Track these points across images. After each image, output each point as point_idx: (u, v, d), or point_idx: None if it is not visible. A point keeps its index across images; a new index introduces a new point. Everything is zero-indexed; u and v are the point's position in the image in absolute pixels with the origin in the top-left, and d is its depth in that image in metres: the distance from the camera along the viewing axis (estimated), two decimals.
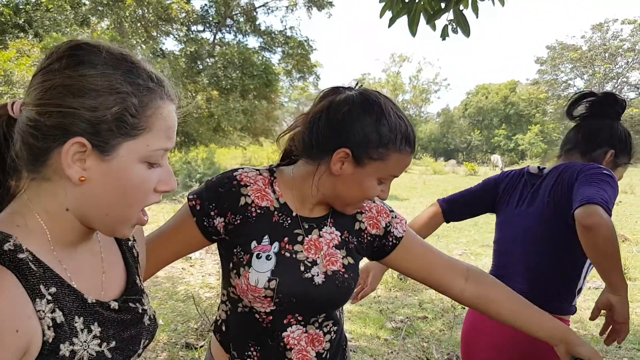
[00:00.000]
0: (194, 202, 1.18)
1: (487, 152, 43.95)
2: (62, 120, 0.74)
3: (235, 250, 1.16)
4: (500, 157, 32.11)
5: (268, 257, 1.14)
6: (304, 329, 1.20)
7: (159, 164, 0.83)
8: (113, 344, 0.82)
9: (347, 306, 4.86)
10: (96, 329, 0.80)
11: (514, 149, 42.68)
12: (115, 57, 0.79)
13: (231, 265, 1.16)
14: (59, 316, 0.75)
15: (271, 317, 1.17)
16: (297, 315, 1.18)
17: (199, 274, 5.93)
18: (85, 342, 0.78)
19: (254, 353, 1.19)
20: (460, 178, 24.56)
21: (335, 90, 1.20)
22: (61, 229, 0.81)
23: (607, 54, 38.78)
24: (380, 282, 5.72)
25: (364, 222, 1.29)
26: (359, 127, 1.11)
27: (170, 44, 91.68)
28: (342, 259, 1.22)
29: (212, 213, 1.16)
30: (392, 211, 1.33)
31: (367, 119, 1.11)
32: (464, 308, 5.03)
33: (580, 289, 1.82)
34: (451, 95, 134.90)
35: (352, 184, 1.14)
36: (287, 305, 1.15)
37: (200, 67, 18.47)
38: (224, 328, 1.24)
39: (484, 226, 10.30)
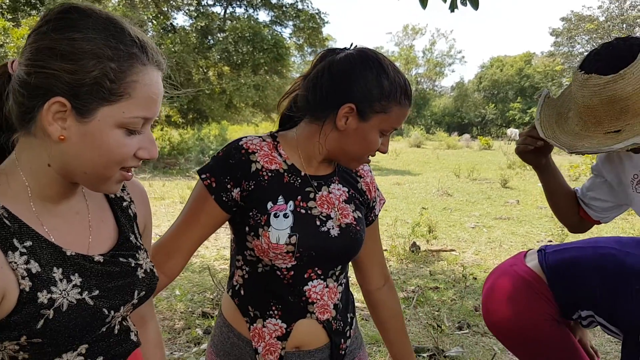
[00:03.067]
0: (209, 181, 1.20)
1: (501, 126, 43.51)
2: (45, 80, 0.78)
3: (251, 213, 1.19)
4: (517, 130, 31.69)
5: (285, 215, 1.19)
6: (325, 283, 1.26)
7: (138, 131, 0.85)
8: (96, 292, 0.87)
9: None
10: (77, 279, 0.85)
11: (529, 122, 42.10)
12: (101, 22, 0.81)
13: (247, 228, 1.20)
14: (35, 267, 0.81)
15: (292, 273, 1.21)
16: (316, 269, 1.24)
17: (213, 247, 6.02)
18: (64, 290, 0.83)
19: (276, 311, 1.24)
20: (474, 152, 24.41)
21: (333, 51, 1.25)
22: (42, 184, 0.86)
23: (624, 25, 37.87)
24: (392, 254, 5.78)
25: (363, 185, 1.37)
26: (362, 83, 1.16)
27: (180, 19, 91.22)
28: (353, 212, 1.29)
29: (229, 186, 1.19)
30: (378, 189, 1.44)
31: (369, 75, 1.16)
32: (475, 278, 5.07)
33: None
34: (466, 68, 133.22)
35: (356, 138, 1.19)
36: (307, 259, 1.20)
37: (211, 42, 18.35)
38: (242, 292, 1.27)
39: (497, 199, 10.28)
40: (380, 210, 1.44)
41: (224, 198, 1.20)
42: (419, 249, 6.10)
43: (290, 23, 19.74)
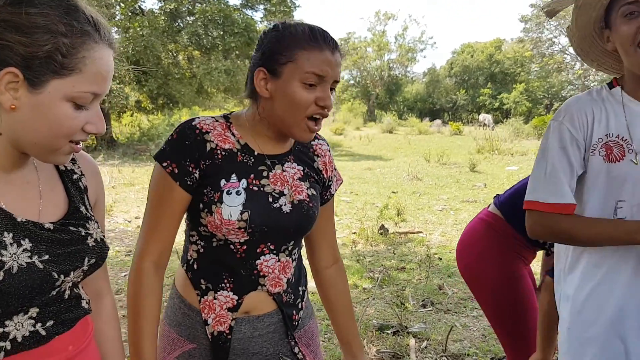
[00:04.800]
0: (170, 168, 1.21)
1: (472, 112, 44.06)
2: (0, 51, 0.81)
3: (205, 190, 1.21)
4: (489, 116, 32.16)
5: (238, 193, 1.21)
6: (277, 257, 1.29)
7: (87, 107, 0.89)
8: (46, 257, 0.90)
9: None
10: (27, 244, 0.88)
11: (499, 107, 42.74)
12: None
13: (201, 205, 1.22)
14: None
15: (245, 247, 1.24)
16: (269, 244, 1.27)
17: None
18: (14, 254, 0.86)
19: (228, 284, 1.27)
20: (445, 138, 24.71)
21: None
22: None
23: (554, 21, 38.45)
24: (362, 237, 5.87)
25: (319, 164, 1.39)
26: (265, 45, 1.21)
27: (149, 2, 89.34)
28: (307, 189, 1.32)
29: (190, 169, 1.21)
30: (336, 169, 1.46)
31: (268, 35, 1.21)
32: (441, 259, 5.20)
33: None
34: (437, 54, 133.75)
35: (283, 99, 1.20)
36: (259, 235, 1.23)
37: (181, 25, 18.03)
38: (195, 266, 1.30)
39: (466, 183, 10.48)
40: (336, 190, 1.47)
41: (188, 182, 1.21)
42: (388, 231, 6.20)
43: (262, 7, 19.52)
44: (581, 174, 1.40)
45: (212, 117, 1.28)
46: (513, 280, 2.01)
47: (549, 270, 1.81)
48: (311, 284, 1.46)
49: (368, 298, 4.06)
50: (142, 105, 19.66)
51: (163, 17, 17.44)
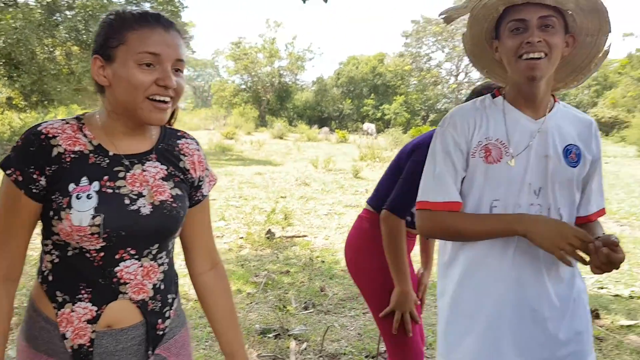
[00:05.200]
0: (14, 175, 1.15)
1: (357, 121, 45.58)
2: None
3: (53, 197, 1.16)
4: (373, 125, 33.60)
5: (89, 196, 1.16)
6: (139, 262, 1.24)
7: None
8: None
9: None
10: None
11: (381, 118, 44.64)
12: None
13: (52, 212, 1.16)
14: None
15: (103, 254, 1.18)
16: (129, 249, 1.21)
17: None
18: None
19: (85, 295, 1.20)
20: (332, 145, 25.38)
21: None
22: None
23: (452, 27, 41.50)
24: (249, 241, 5.88)
25: (187, 164, 1.34)
26: (99, 33, 1.21)
27: None
28: (170, 189, 1.27)
29: (35, 176, 1.15)
30: (208, 169, 1.41)
31: (101, 25, 1.22)
32: (324, 261, 5.36)
33: None
34: (325, 64, 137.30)
35: (120, 83, 1.17)
36: (117, 240, 1.18)
37: (59, 19, 16.86)
38: (50, 278, 1.23)
39: (349, 188, 10.87)
40: (209, 190, 1.42)
41: (34, 190, 1.15)
42: (274, 235, 6.27)
43: (147, 5, 18.81)
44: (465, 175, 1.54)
45: (63, 120, 1.22)
46: None
47: (387, 204, 2.04)
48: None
49: (251, 303, 4.10)
50: (14, 103, 18.06)
51: (39, 11, 16.20)
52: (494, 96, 1.59)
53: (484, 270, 1.51)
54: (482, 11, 1.51)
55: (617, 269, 1.32)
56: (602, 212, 1.61)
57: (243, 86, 48.59)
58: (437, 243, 1.73)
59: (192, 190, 1.36)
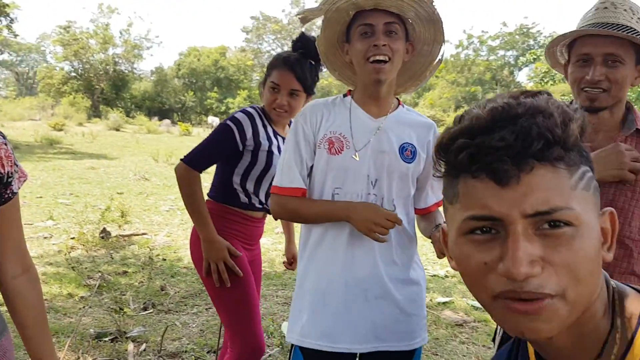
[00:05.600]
0: None
1: (200, 114, 44.73)
2: None
3: None
4: (217, 119, 33.17)
5: None
6: None
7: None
8: None
9: (41, 269, 4.56)
10: None
11: (225, 111, 44.33)
12: None
13: None
14: None
15: None
16: None
17: None
18: None
19: None
20: (174, 138, 24.59)
21: None
22: None
23: (304, 28, 42.78)
24: (81, 242, 5.51)
25: None
26: None
27: None
28: None
29: None
30: (17, 164, 1.30)
31: None
32: (165, 259, 5.23)
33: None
34: (165, 54, 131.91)
35: None
36: None
37: None
38: None
39: None
40: (19, 188, 1.31)
41: None
42: (110, 234, 5.95)
43: None
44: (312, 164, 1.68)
45: None
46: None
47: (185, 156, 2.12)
48: None
49: (85, 307, 3.86)
50: None
51: None
52: (345, 96, 1.75)
53: (322, 251, 1.67)
54: (334, 14, 1.63)
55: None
56: (440, 203, 1.79)
57: (73, 73, 44.73)
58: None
59: (0, 188, 1.25)
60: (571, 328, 0.67)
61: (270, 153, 2.16)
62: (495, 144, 0.64)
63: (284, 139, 2.23)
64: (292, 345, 1.69)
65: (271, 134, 2.20)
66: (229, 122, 2.12)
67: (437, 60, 1.74)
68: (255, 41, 43.07)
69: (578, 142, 0.67)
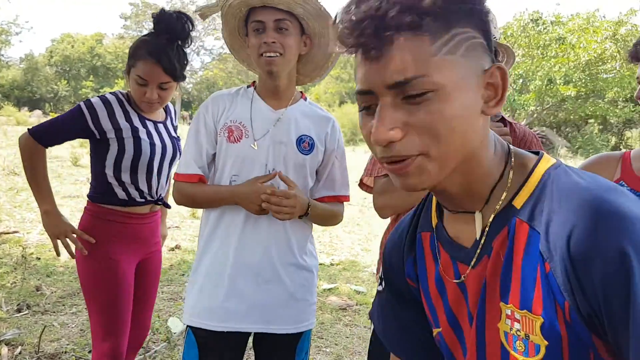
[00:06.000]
0: None
1: (74, 104, 41.73)
2: None
3: None
4: None
5: None
6: None
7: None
8: None
9: None
10: None
11: None
12: None
13: None
14: None
15: None
16: None
17: None
18: None
19: None
20: None
21: None
22: None
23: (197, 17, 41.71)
24: None
25: None
26: None
27: None
28: None
29: None
30: None
31: None
32: (39, 258, 4.93)
33: None
34: (36, 41, 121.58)
35: None
36: None
37: None
38: None
39: (68, 177, 10.06)
40: None
41: None
42: None
43: None
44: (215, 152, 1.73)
45: None
46: (94, 261, 2.09)
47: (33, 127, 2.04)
48: None
49: None
50: None
51: None
52: (248, 87, 1.81)
53: (217, 235, 1.72)
54: (230, 10, 1.68)
55: (288, 213, 1.62)
56: (342, 198, 1.85)
57: None
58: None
59: None
60: (456, 177, 0.75)
61: (137, 139, 2.04)
62: (359, 16, 0.67)
63: (157, 123, 2.16)
64: (187, 327, 1.73)
65: (136, 120, 2.07)
66: (82, 104, 2.02)
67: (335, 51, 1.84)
68: (135, 28, 41.04)
69: (437, 6, 0.67)
